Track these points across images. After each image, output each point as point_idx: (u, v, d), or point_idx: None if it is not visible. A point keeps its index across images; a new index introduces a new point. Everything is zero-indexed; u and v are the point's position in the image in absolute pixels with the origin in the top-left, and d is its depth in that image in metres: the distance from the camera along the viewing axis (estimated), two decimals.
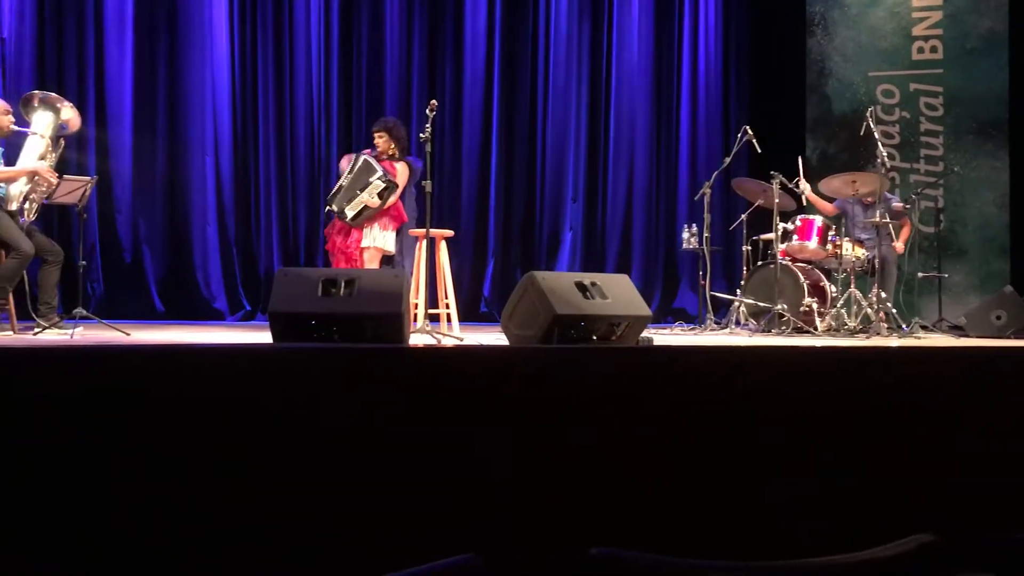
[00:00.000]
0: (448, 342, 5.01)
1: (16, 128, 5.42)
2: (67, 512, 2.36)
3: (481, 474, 2.59)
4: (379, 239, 5.93)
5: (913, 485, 2.79)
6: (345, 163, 6.07)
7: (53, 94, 5.57)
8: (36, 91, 5.64)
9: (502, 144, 8.36)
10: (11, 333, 5.20)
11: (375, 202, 5.82)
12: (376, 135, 6.10)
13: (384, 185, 5.82)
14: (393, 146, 6.07)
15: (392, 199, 5.92)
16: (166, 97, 7.58)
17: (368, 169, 5.86)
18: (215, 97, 7.63)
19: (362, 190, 5.81)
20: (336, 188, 5.94)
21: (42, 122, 5.38)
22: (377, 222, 5.92)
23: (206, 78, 7.60)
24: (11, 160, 5.46)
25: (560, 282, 3.74)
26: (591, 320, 3.67)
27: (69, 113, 5.45)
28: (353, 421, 2.55)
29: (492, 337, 4.95)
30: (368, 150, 6.12)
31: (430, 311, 5.55)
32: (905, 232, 6.85)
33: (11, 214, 5.22)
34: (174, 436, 2.46)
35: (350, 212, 5.85)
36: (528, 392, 2.70)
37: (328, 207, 5.97)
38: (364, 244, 5.91)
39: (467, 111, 8.26)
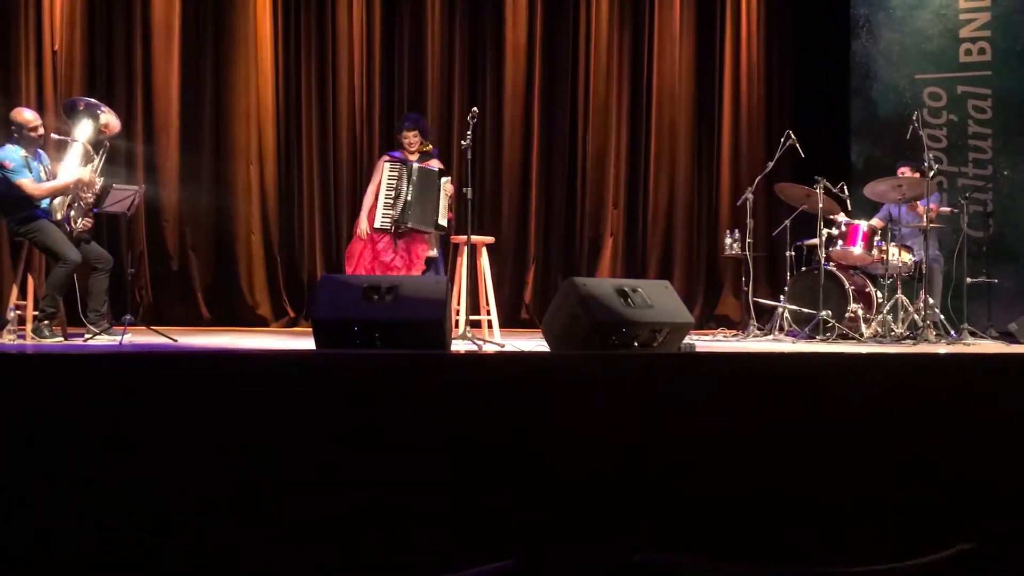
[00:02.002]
0: (489, 348, 5.02)
1: (56, 136, 5.53)
2: (114, 513, 2.40)
3: (522, 480, 2.59)
4: (432, 246, 6.06)
5: (961, 493, 2.74)
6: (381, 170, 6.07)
7: (92, 100, 5.67)
8: (79, 97, 5.75)
9: (543, 151, 8.36)
10: (61, 339, 5.31)
11: (451, 191, 5.98)
12: (408, 133, 6.10)
13: (447, 177, 5.98)
14: (422, 142, 6.12)
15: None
16: (212, 107, 7.69)
17: (427, 174, 5.91)
18: (259, 106, 7.73)
19: (438, 196, 5.89)
20: (403, 206, 5.85)
21: (83, 129, 5.49)
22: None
23: (251, 89, 7.69)
24: (55, 169, 5.57)
25: (601, 288, 3.74)
26: (632, 326, 3.66)
27: (106, 118, 5.55)
28: (394, 427, 2.57)
29: (533, 343, 4.95)
30: (387, 156, 6.17)
31: (471, 317, 5.57)
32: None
33: (57, 223, 5.32)
34: (221, 441, 2.49)
35: (444, 221, 5.93)
36: (569, 399, 2.70)
37: (402, 224, 5.86)
38: (430, 254, 6.01)
39: (508, 118, 8.28)
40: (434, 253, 6.07)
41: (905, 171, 6.60)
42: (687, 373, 2.88)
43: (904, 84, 8.15)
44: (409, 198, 5.84)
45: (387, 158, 6.14)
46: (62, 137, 5.49)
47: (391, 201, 5.89)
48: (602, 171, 8.44)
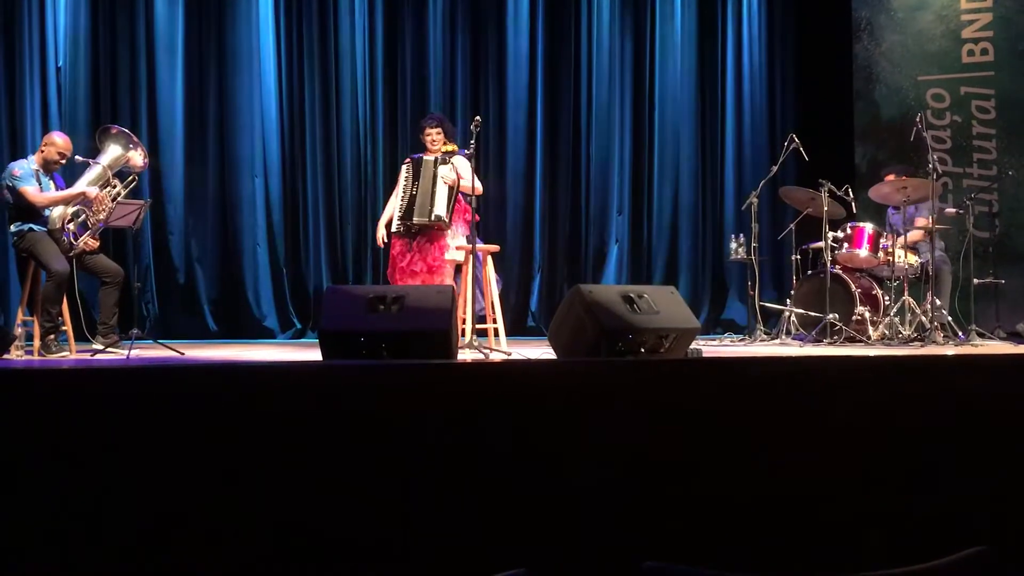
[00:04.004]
0: (496, 357, 5.01)
1: (80, 158, 5.60)
2: (125, 528, 2.40)
3: (530, 488, 2.59)
4: (454, 251, 5.77)
5: (973, 496, 2.72)
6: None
7: (128, 131, 5.76)
8: (115, 125, 5.85)
9: (546, 159, 8.37)
10: (68, 353, 5.33)
11: (451, 179, 5.62)
12: (432, 130, 5.86)
13: (448, 164, 5.66)
14: (446, 140, 5.85)
15: (466, 177, 5.67)
16: (216, 121, 7.72)
17: (425, 164, 5.66)
18: (263, 120, 7.75)
19: (433, 186, 5.61)
20: (408, 203, 5.65)
21: (110, 154, 5.58)
22: (456, 231, 5.76)
23: (255, 102, 7.72)
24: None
25: (607, 295, 3.74)
26: (639, 333, 3.65)
27: (133, 152, 5.63)
28: (402, 436, 2.57)
29: (540, 351, 4.94)
30: (408, 158, 5.94)
31: (477, 326, 5.56)
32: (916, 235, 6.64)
33: (52, 234, 5.36)
34: (229, 452, 2.49)
35: (443, 212, 5.61)
36: (576, 406, 2.69)
37: (405, 223, 5.63)
38: (449, 257, 5.72)
39: (511, 127, 8.29)
40: (459, 256, 5.77)
41: (890, 178, 6.58)
42: (694, 379, 2.87)
43: (907, 86, 8.14)
44: (414, 192, 5.65)
45: (407, 160, 5.91)
46: (85, 159, 5.57)
47: (404, 202, 5.71)
48: (606, 178, 8.45)
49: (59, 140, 5.53)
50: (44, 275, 5.37)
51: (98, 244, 5.57)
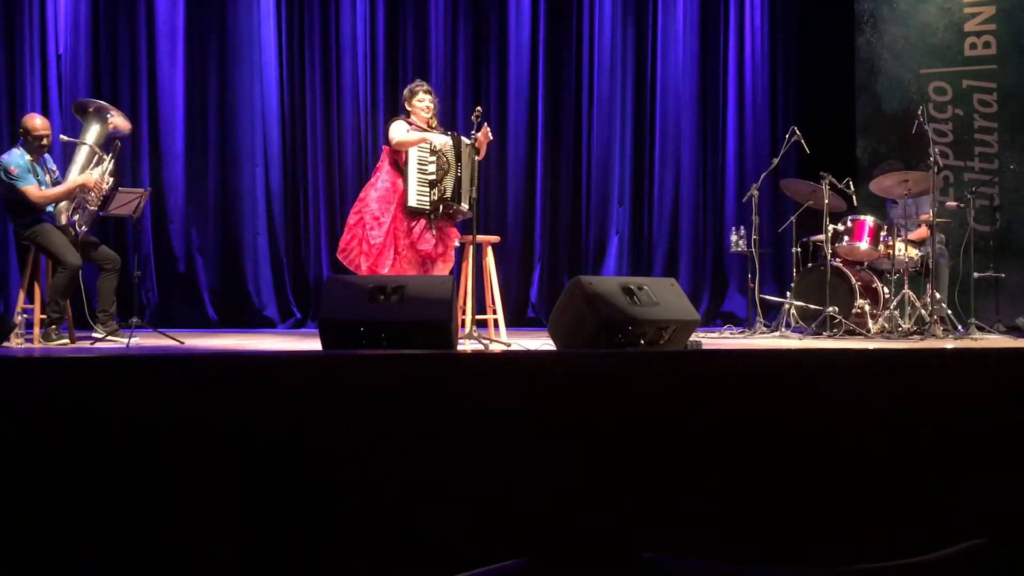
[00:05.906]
0: (496, 347, 5.02)
1: (65, 138, 5.58)
2: (123, 517, 2.40)
3: (530, 479, 2.59)
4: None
5: (969, 488, 2.73)
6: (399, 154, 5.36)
7: (102, 102, 5.75)
8: (90, 99, 5.81)
9: (547, 150, 8.36)
10: (67, 341, 5.33)
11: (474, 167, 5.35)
12: (425, 95, 5.48)
13: (476, 151, 5.36)
14: (433, 112, 5.52)
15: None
16: (217, 110, 7.70)
17: (465, 149, 5.29)
18: (264, 109, 7.74)
19: (471, 171, 5.31)
20: (454, 184, 5.20)
21: (91, 132, 5.56)
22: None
23: (255, 91, 7.71)
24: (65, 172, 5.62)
25: (607, 287, 3.74)
26: (638, 324, 3.66)
27: (116, 119, 5.62)
28: (402, 426, 2.57)
29: (539, 342, 4.95)
30: (405, 120, 5.50)
31: (478, 317, 5.56)
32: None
33: (61, 228, 5.36)
34: (228, 441, 2.49)
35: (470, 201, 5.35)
36: (575, 397, 2.70)
37: (453, 206, 5.26)
38: (457, 243, 5.57)
39: (512, 118, 8.28)
40: (457, 243, 5.68)
41: (879, 178, 6.56)
42: (694, 371, 2.88)
43: (909, 79, 8.13)
44: (460, 174, 5.19)
45: (413, 126, 5.36)
46: (70, 140, 5.56)
47: (433, 178, 5.20)
48: (607, 169, 8.44)
49: (35, 123, 5.44)
50: (44, 262, 5.36)
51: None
